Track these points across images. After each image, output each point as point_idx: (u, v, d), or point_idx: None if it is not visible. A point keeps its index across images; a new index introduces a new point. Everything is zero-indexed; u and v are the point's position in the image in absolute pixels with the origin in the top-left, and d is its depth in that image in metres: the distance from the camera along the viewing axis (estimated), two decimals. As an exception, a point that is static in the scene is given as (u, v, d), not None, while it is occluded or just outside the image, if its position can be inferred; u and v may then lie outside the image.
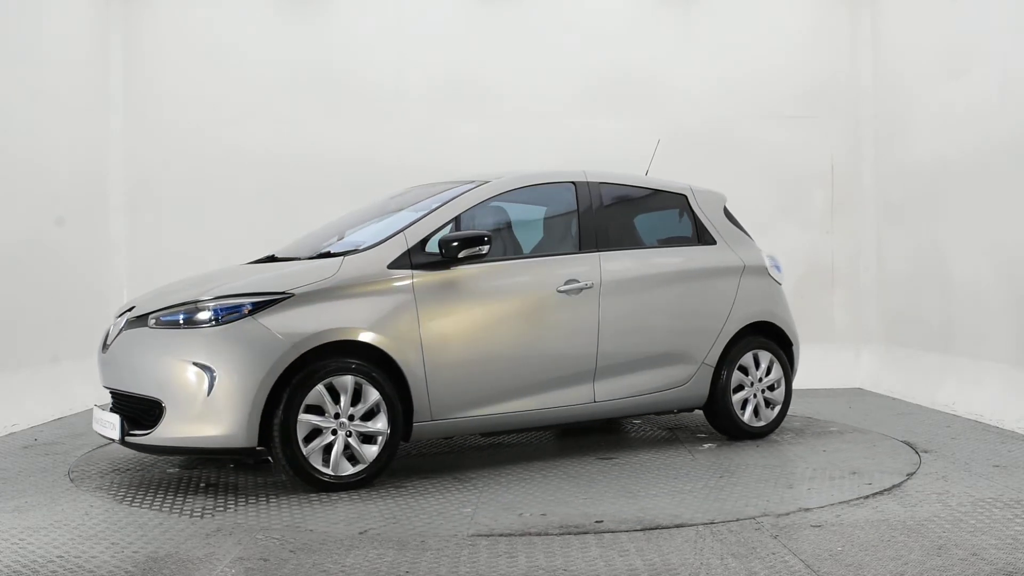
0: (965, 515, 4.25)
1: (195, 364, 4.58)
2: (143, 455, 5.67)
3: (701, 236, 6.25)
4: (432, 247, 5.19)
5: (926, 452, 5.72)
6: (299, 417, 4.62)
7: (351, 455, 4.80)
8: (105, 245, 8.84)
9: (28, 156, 7.47)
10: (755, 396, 6.18)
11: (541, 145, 8.82)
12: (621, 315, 5.67)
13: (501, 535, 4.01)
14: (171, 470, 5.38)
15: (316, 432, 4.70)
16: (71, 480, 5.16)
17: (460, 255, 5.13)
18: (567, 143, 8.84)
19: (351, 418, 4.77)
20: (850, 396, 8.23)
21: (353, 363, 4.77)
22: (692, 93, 9.15)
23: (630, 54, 9.14)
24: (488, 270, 5.32)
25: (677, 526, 4.10)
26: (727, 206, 6.54)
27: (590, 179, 5.89)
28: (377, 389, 4.81)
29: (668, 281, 5.93)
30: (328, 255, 5.22)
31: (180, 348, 4.66)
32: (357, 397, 4.79)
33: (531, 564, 3.62)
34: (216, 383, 4.55)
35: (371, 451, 4.82)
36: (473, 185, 5.61)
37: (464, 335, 5.18)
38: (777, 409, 6.29)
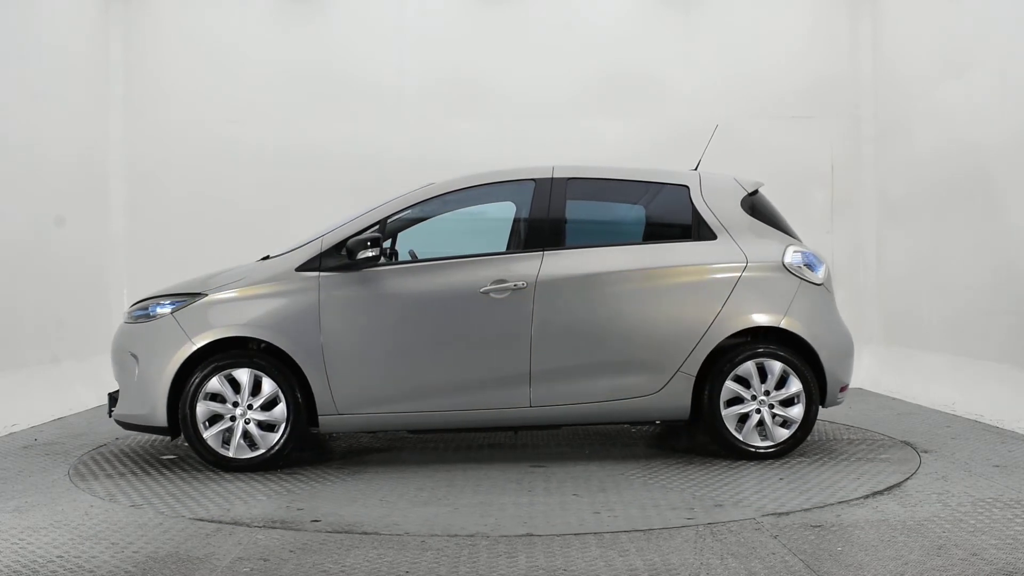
0: (965, 515, 4.25)
1: (131, 354, 5.39)
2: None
3: (698, 231, 5.64)
4: None
5: (926, 452, 5.71)
6: (198, 403, 5.21)
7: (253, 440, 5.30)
8: (105, 245, 8.84)
9: (28, 155, 7.47)
10: (758, 412, 5.45)
11: (542, 144, 8.80)
12: (563, 317, 5.36)
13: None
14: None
15: (220, 417, 5.26)
16: (71, 480, 5.17)
17: (357, 257, 5.29)
18: (567, 142, 8.83)
19: (251, 407, 5.25)
20: (850, 396, 8.21)
21: (254, 358, 5.26)
22: (692, 93, 9.15)
23: (630, 54, 9.14)
24: (402, 271, 5.42)
25: (525, 535, 4.10)
26: (758, 194, 5.88)
27: (557, 175, 5.60)
28: (277, 382, 5.23)
29: (628, 281, 5.44)
30: (267, 258, 5.62)
31: (127, 340, 5.49)
32: (261, 388, 5.27)
33: (531, 564, 3.62)
34: (139, 370, 5.33)
35: (271, 438, 5.28)
36: (421, 187, 5.64)
37: (369, 334, 5.33)
38: (793, 428, 5.47)
